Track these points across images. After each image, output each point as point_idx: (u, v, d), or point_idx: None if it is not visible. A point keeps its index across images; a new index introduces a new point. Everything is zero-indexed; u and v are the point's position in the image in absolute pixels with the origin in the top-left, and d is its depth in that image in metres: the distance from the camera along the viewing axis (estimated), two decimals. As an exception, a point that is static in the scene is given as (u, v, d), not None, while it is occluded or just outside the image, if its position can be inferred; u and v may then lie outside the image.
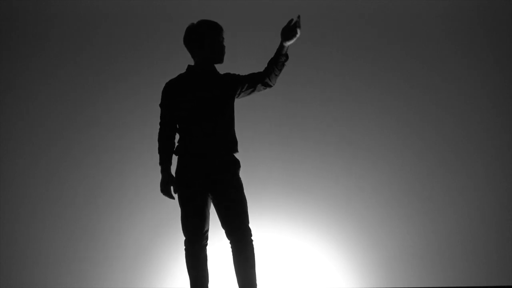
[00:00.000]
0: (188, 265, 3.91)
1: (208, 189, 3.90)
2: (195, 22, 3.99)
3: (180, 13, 5.65)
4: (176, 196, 3.96)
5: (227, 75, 4.04)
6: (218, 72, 4.02)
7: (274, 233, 5.48)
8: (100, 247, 5.49)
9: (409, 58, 5.69)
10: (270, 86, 4.06)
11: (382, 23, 5.70)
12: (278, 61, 3.99)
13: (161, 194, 3.96)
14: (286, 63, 4.02)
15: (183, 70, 4.08)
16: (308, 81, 5.63)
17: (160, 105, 4.03)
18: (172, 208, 5.50)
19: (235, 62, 5.17)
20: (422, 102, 5.67)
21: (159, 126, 4.01)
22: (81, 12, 5.63)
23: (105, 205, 5.51)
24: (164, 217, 5.48)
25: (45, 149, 5.55)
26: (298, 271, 5.50)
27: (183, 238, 3.94)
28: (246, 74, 4.05)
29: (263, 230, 5.37)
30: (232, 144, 3.95)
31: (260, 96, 5.13)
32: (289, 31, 3.93)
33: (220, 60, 4.00)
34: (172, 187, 3.93)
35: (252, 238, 3.90)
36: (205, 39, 3.93)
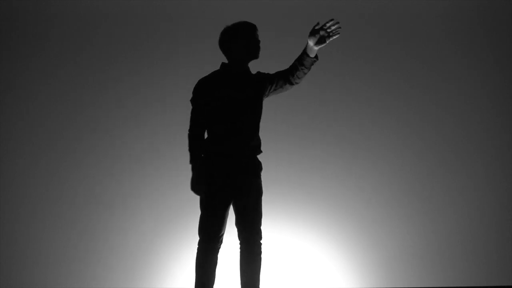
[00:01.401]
0: (198, 265, 3.91)
1: (231, 190, 3.90)
2: (229, 24, 3.99)
3: (180, 13, 5.65)
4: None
5: (258, 74, 4.05)
6: (251, 72, 4.02)
7: (274, 233, 5.48)
8: (100, 247, 5.49)
9: (409, 58, 5.69)
10: (296, 83, 4.05)
11: (382, 23, 5.70)
12: (305, 62, 3.97)
13: (190, 192, 3.89)
14: (314, 63, 4.02)
15: (184, 70, 4.08)
16: (308, 81, 5.63)
17: (191, 101, 3.96)
18: (172, 208, 5.50)
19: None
20: (422, 102, 5.67)
21: (189, 123, 3.93)
22: (81, 12, 5.63)
23: (105, 205, 5.51)
24: (164, 217, 5.48)
25: (45, 149, 5.55)
26: (298, 271, 5.50)
27: (185, 238, 3.94)
28: (274, 72, 4.04)
29: (263, 230, 5.37)
30: (257, 146, 3.96)
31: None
32: (318, 34, 3.89)
33: (256, 56, 3.98)
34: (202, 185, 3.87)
35: (262, 241, 3.94)
36: (240, 39, 3.94)
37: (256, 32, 3.97)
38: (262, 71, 4.11)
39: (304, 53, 3.97)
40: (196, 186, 3.85)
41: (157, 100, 5.60)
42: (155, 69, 5.59)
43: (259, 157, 4.05)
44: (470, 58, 5.70)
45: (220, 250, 3.96)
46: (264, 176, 4.16)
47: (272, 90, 4.04)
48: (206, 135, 3.97)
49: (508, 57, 5.70)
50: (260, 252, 3.96)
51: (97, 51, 5.63)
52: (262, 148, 4.09)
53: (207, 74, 4.00)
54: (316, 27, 3.90)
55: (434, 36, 5.69)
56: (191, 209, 5.38)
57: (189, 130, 3.92)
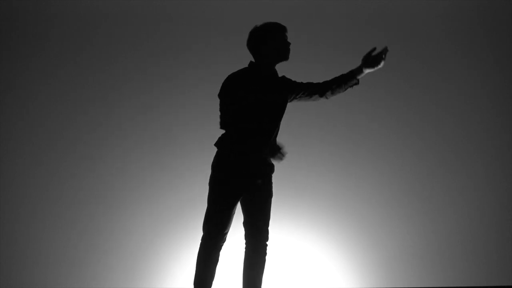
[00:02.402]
0: (199, 260, 3.89)
1: (243, 189, 3.89)
2: (258, 24, 3.96)
3: (180, 13, 5.65)
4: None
5: (284, 79, 4.03)
6: (278, 75, 4.00)
7: (274, 233, 5.47)
8: (100, 247, 5.49)
9: (409, 58, 5.69)
10: (326, 99, 4.08)
11: (382, 23, 5.70)
12: (349, 82, 4.02)
13: (190, 192, 3.89)
14: (354, 87, 4.06)
15: (185, 70, 4.07)
16: (308, 81, 5.62)
17: (219, 96, 3.91)
18: (172, 209, 5.50)
19: (238, 63, 5.18)
20: (422, 102, 5.67)
21: (219, 119, 3.87)
22: (81, 12, 5.63)
23: (105, 205, 5.51)
24: (164, 217, 5.48)
25: (45, 149, 5.55)
26: (298, 271, 5.50)
27: (185, 238, 3.94)
28: (301, 82, 4.05)
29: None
30: (274, 148, 3.94)
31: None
32: (374, 60, 3.95)
33: (286, 58, 3.97)
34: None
35: (268, 242, 3.94)
36: (270, 40, 3.90)
37: (286, 33, 3.95)
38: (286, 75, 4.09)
39: (354, 76, 4.01)
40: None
41: (158, 100, 5.60)
42: (156, 69, 5.59)
43: None
44: (470, 58, 5.71)
45: (223, 248, 3.95)
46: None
47: (298, 97, 4.06)
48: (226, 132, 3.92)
49: (508, 57, 5.70)
50: (265, 253, 3.96)
51: (97, 51, 5.63)
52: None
53: (235, 71, 3.94)
54: (373, 53, 3.97)
55: (434, 36, 5.69)
56: (191, 209, 5.39)
57: (220, 125, 3.87)
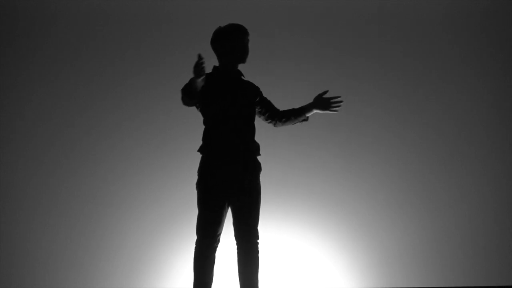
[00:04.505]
0: (196, 264, 3.93)
1: (229, 190, 3.92)
2: (222, 26, 4.01)
3: (180, 13, 5.65)
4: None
5: (251, 84, 4.09)
6: (243, 77, 4.05)
7: (274, 233, 5.48)
8: (101, 247, 5.49)
9: (409, 58, 5.69)
10: (275, 126, 4.17)
11: (382, 23, 5.70)
12: (299, 118, 4.13)
13: (190, 192, 3.92)
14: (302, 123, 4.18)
15: (184, 71, 4.08)
16: (308, 81, 5.62)
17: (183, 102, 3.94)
18: (172, 209, 5.51)
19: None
20: (422, 102, 5.67)
21: (181, 94, 3.87)
22: (81, 12, 5.63)
23: (105, 205, 5.51)
24: (164, 217, 5.48)
25: (45, 149, 5.55)
26: (298, 271, 5.50)
27: (184, 238, 3.95)
28: (267, 98, 4.12)
29: (263, 231, 5.37)
30: (255, 147, 3.99)
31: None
32: (324, 103, 4.07)
33: (243, 60, 4.03)
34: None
35: (259, 241, 3.94)
36: (230, 41, 3.96)
37: (246, 36, 4.00)
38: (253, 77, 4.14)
39: (303, 112, 4.12)
40: (196, 69, 3.70)
41: (158, 100, 5.60)
42: (156, 69, 5.59)
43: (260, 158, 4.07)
44: (470, 58, 5.70)
45: (218, 249, 3.97)
46: (265, 176, 4.17)
47: (257, 110, 4.12)
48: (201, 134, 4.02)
49: (508, 57, 5.70)
50: (257, 252, 3.96)
51: (97, 51, 5.63)
52: (262, 148, 4.11)
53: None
54: (324, 96, 4.08)
55: (434, 36, 5.69)
56: (191, 209, 5.38)
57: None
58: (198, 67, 3.68)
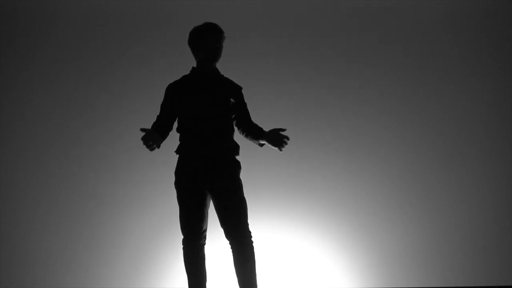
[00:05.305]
0: (186, 263, 3.95)
1: (208, 188, 3.92)
2: (197, 25, 4.03)
3: (180, 13, 5.66)
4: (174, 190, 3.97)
5: (231, 83, 4.08)
6: (222, 75, 4.05)
7: (274, 233, 5.48)
8: (100, 247, 5.49)
9: (409, 58, 5.69)
10: (240, 134, 4.16)
11: (382, 23, 5.70)
12: (256, 141, 4.11)
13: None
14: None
15: (184, 71, 4.09)
16: (308, 81, 5.63)
17: (161, 105, 4.05)
18: (172, 209, 5.51)
19: (236, 62, 5.18)
20: (422, 102, 5.67)
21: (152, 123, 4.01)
22: (81, 12, 5.63)
23: (105, 206, 5.52)
24: (164, 217, 5.48)
25: (45, 149, 5.56)
26: (298, 271, 5.50)
27: (181, 236, 3.95)
28: (245, 105, 4.10)
29: (263, 231, 5.37)
30: (233, 145, 3.99)
31: (259, 96, 5.12)
32: (275, 139, 4.01)
33: (215, 59, 4.04)
34: (156, 145, 3.88)
35: (252, 239, 3.92)
36: (202, 41, 3.98)
37: (219, 35, 4.00)
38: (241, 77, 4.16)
39: (260, 138, 4.08)
40: (146, 136, 3.83)
41: (158, 100, 5.60)
42: (156, 69, 5.59)
43: (240, 157, 4.06)
44: (470, 58, 5.71)
45: (214, 249, 3.95)
46: (265, 176, 4.17)
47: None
48: (178, 136, 4.05)
49: (508, 57, 5.70)
50: (252, 250, 3.92)
51: (97, 51, 5.63)
52: (263, 148, 4.11)
53: (177, 79, 4.05)
54: (281, 132, 4.02)
55: (434, 36, 5.70)
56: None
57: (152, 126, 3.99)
58: (147, 146, 3.84)
